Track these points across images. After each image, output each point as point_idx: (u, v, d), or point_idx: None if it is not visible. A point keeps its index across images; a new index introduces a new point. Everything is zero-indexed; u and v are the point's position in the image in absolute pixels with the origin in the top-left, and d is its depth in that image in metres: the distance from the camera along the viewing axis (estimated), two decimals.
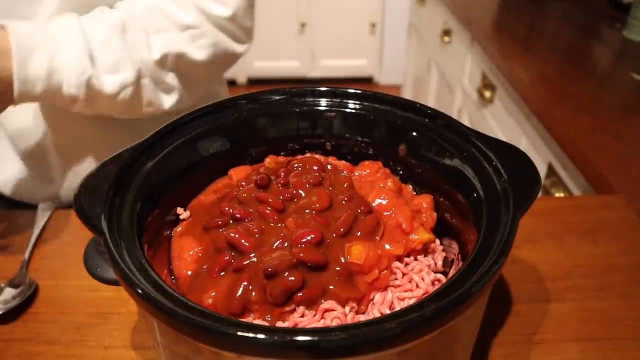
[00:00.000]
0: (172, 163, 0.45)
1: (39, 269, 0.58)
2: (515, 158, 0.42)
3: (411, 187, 0.49)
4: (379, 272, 0.40)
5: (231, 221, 0.42)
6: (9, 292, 0.54)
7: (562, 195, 1.01)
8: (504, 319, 0.52)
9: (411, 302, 0.39)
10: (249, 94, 0.50)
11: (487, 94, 1.42)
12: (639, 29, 1.30)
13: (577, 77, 1.15)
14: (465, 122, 1.63)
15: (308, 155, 0.52)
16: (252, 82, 3.10)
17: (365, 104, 0.50)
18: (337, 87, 0.51)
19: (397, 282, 0.40)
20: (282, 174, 0.46)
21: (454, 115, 1.20)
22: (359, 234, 0.41)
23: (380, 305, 0.39)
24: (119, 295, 0.54)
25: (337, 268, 0.39)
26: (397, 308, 0.39)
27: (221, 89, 0.92)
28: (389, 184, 0.47)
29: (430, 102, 2.09)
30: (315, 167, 0.47)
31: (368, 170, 0.49)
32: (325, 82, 2.93)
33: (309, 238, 0.39)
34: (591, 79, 1.16)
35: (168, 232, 0.45)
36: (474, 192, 0.41)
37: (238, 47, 0.70)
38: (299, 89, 0.51)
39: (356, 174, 0.49)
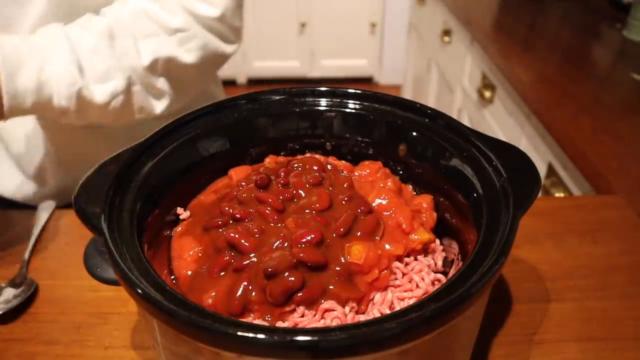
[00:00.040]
0: (172, 163, 0.45)
1: (39, 269, 0.58)
2: (515, 158, 0.42)
3: (411, 187, 0.49)
4: (379, 272, 0.40)
5: (231, 221, 0.42)
6: (10, 292, 0.54)
7: (562, 195, 1.01)
8: (504, 319, 0.52)
9: (411, 302, 0.39)
10: (249, 94, 0.50)
11: (487, 94, 1.42)
12: (639, 29, 1.30)
13: (577, 77, 1.15)
14: (465, 122, 1.63)
15: (308, 155, 0.52)
16: (252, 82, 3.10)
17: (365, 104, 0.50)
18: (337, 87, 0.50)
19: (397, 282, 0.40)
20: (282, 174, 0.46)
21: (454, 115, 1.20)
22: (359, 234, 0.41)
23: (380, 305, 0.39)
24: (119, 295, 0.54)
25: (337, 268, 0.39)
26: (397, 308, 0.39)
27: (216, 88, 0.92)
28: (389, 184, 0.47)
29: (430, 102, 2.09)
30: (315, 167, 0.47)
31: (368, 170, 0.49)
32: (325, 82, 2.93)
33: (309, 238, 0.39)
34: (591, 79, 1.16)
35: (168, 232, 0.45)
36: (474, 192, 0.41)
37: (227, 48, 0.69)
38: (299, 89, 0.51)
39: (356, 174, 0.49)
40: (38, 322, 0.52)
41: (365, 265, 0.39)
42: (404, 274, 0.41)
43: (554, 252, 0.60)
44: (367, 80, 3.14)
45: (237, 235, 0.40)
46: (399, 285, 0.40)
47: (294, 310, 0.37)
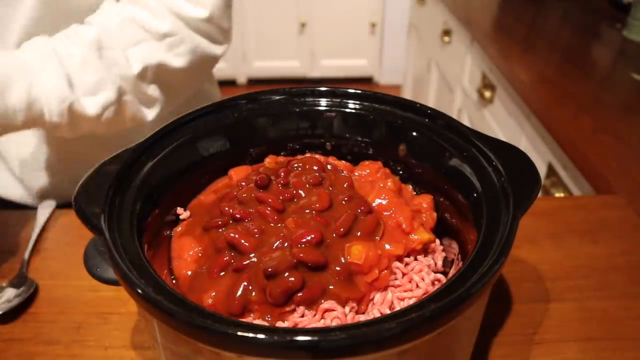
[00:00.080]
0: (172, 163, 0.45)
1: (39, 269, 0.58)
2: (515, 158, 0.42)
3: (411, 187, 0.49)
4: (379, 272, 0.40)
5: (231, 221, 0.42)
6: (11, 292, 0.54)
7: (562, 195, 1.01)
8: (504, 319, 0.52)
9: (411, 302, 0.39)
10: (249, 94, 0.50)
11: (487, 94, 1.42)
12: (639, 29, 1.30)
13: (577, 77, 1.15)
14: (465, 122, 1.63)
15: (308, 155, 0.52)
16: (252, 82, 3.10)
17: (365, 104, 0.50)
18: (337, 87, 0.50)
19: (397, 282, 0.40)
20: (282, 174, 0.46)
21: (454, 115, 1.20)
22: (359, 234, 0.41)
23: (380, 305, 0.39)
24: (119, 295, 0.54)
25: (337, 268, 0.39)
26: (397, 308, 0.39)
27: (211, 87, 0.92)
28: (389, 184, 0.47)
29: (430, 102, 2.09)
30: (315, 167, 0.47)
31: (368, 170, 0.49)
32: (325, 82, 2.93)
33: (309, 238, 0.39)
34: (591, 79, 1.16)
35: (168, 232, 0.45)
36: (474, 192, 0.41)
37: (217, 49, 0.68)
38: (299, 89, 0.51)
39: (356, 174, 0.49)
40: (38, 322, 0.52)
41: (365, 265, 0.39)
42: (404, 274, 0.41)
43: (554, 252, 0.60)
44: (367, 80, 3.14)
45: (237, 235, 0.40)
46: (399, 285, 0.40)
47: (294, 310, 0.37)
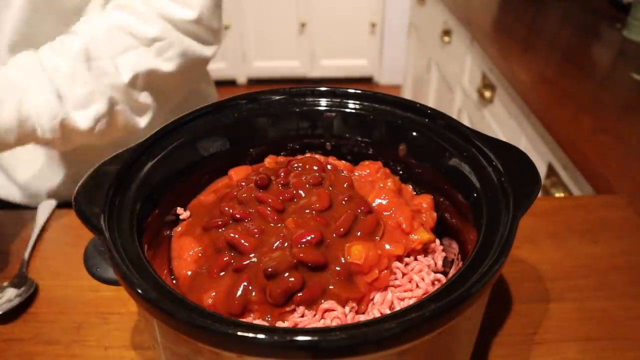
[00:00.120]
0: (172, 163, 0.45)
1: (39, 269, 0.58)
2: (515, 158, 0.42)
3: (411, 187, 0.49)
4: (379, 272, 0.40)
5: (231, 221, 0.42)
6: (11, 292, 0.54)
7: (562, 195, 1.01)
8: (504, 319, 0.52)
9: (411, 302, 0.39)
10: (249, 94, 0.50)
11: (487, 94, 1.42)
12: (639, 29, 1.30)
13: (577, 77, 1.15)
14: (465, 122, 1.63)
15: (308, 155, 0.52)
16: (252, 82, 3.10)
17: (365, 104, 0.50)
18: (337, 87, 0.50)
19: (397, 282, 0.40)
20: (282, 174, 0.46)
21: (454, 115, 1.20)
22: (359, 234, 0.41)
23: (380, 305, 0.39)
24: (119, 295, 0.54)
25: (337, 268, 0.39)
26: (397, 308, 0.39)
27: (207, 87, 0.91)
28: (389, 184, 0.47)
29: (430, 102, 2.09)
30: (315, 167, 0.47)
31: (368, 170, 0.49)
32: (325, 82, 2.93)
33: (309, 238, 0.39)
34: (591, 79, 1.16)
35: (168, 232, 0.45)
36: (473, 192, 0.41)
37: (207, 51, 0.67)
38: (299, 89, 0.51)
39: (356, 174, 0.49)
40: (38, 322, 0.52)
41: (365, 265, 0.39)
42: (404, 274, 0.41)
43: (554, 252, 0.60)
44: (367, 80, 3.14)
45: (237, 236, 0.40)
46: (399, 285, 0.40)
47: (294, 310, 0.37)
